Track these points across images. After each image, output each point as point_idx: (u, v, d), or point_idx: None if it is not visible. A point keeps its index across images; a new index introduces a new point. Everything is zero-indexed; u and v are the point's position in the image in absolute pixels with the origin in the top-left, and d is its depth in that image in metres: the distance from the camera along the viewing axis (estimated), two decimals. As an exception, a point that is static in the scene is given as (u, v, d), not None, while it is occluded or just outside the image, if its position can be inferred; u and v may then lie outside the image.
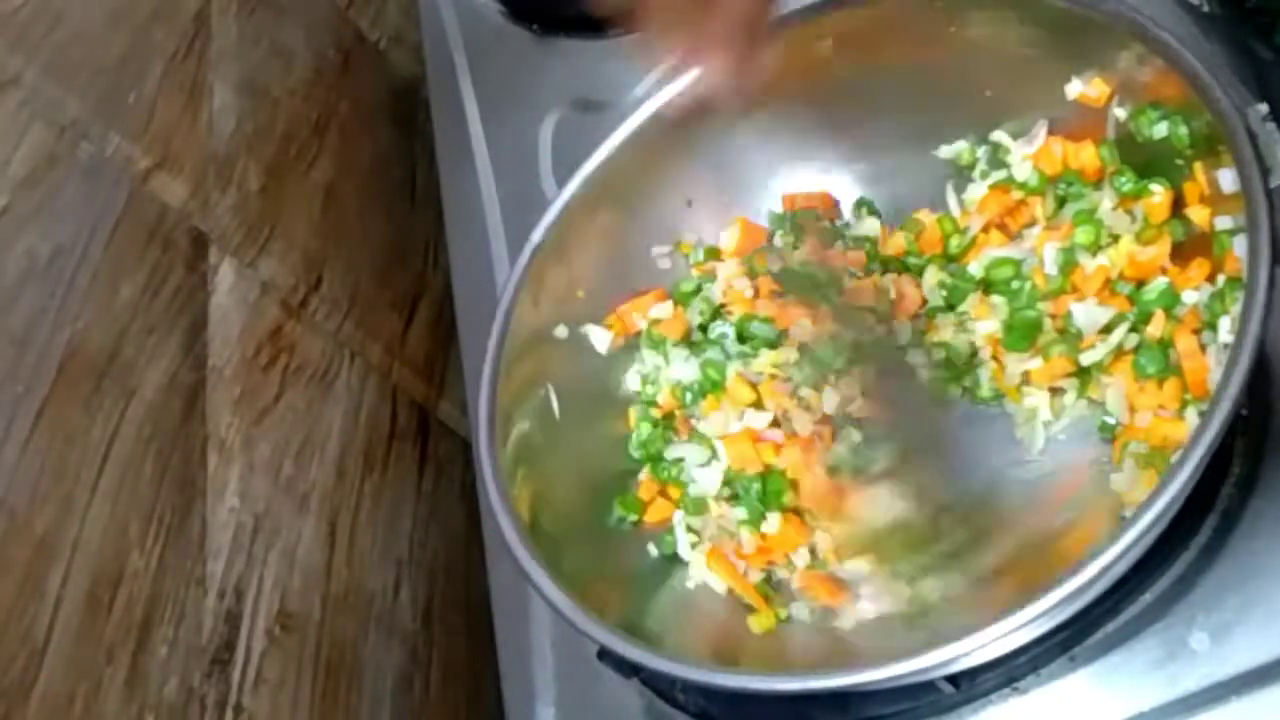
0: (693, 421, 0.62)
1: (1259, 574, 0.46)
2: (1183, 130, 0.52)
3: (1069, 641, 0.48)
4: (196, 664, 0.55)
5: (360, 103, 0.91)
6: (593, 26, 0.82)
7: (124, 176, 0.62)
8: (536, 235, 0.62)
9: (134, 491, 0.55)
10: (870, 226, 0.64)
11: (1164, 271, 0.53)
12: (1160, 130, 0.53)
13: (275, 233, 0.74)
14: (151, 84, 0.67)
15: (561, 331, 0.62)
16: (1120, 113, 0.55)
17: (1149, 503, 0.41)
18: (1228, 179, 0.49)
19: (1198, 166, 0.52)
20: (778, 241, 0.65)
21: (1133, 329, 0.53)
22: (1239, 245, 0.48)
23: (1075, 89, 0.56)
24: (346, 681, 0.65)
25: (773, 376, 0.61)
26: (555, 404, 0.60)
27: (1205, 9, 0.56)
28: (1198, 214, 0.52)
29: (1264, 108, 0.48)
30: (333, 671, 0.64)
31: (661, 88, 0.62)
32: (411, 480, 0.80)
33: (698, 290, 0.65)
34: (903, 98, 0.62)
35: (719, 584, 0.57)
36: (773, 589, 0.57)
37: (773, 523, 0.57)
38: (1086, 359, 0.53)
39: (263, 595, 0.61)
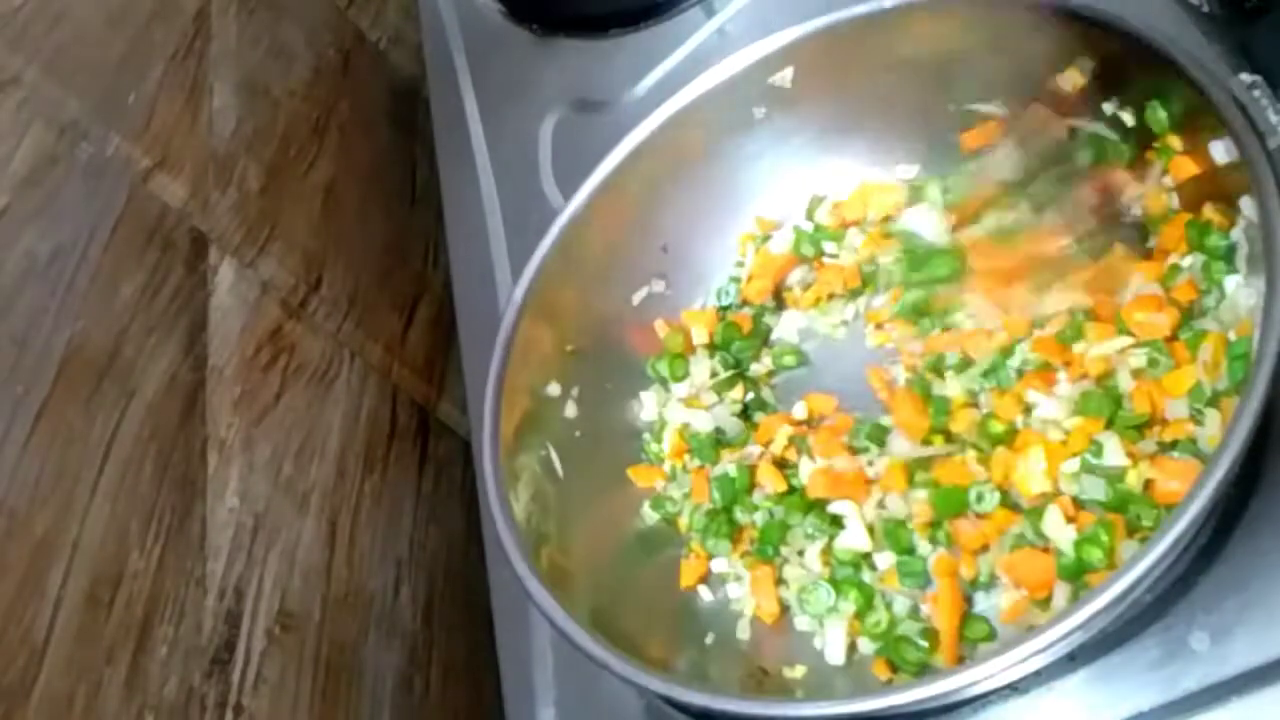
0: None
1: (1259, 574, 0.46)
2: (1161, 115, 0.52)
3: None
4: (196, 664, 0.55)
5: (360, 103, 0.91)
6: (593, 26, 0.82)
7: (124, 176, 0.62)
8: (519, 293, 0.61)
9: (134, 491, 0.55)
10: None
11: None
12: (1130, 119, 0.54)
13: (275, 233, 0.74)
14: (151, 84, 0.67)
15: (554, 389, 0.62)
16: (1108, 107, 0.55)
17: (1172, 522, 0.41)
18: (1220, 150, 0.49)
19: (1174, 141, 0.52)
20: None
21: None
22: (1246, 205, 0.48)
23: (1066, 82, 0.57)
24: (346, 681, 0.65)
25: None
26: (558, 464, 0.60)
27: (1205, 9, 0.56)
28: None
29: (1246, 77, 0.49)
30: (333, 671, 0.64)
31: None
32: (411, 480, 0.80)
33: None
34: (869, 123, 0.63)
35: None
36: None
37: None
38: None
39: (263, 595, 0.61)
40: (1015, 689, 0.48)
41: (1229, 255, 0.50)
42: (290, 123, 0.80)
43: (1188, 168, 0.52)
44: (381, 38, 0.99)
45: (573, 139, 0.77)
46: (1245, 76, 0.49)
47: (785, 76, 0.62)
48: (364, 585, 0.70)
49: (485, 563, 0.68)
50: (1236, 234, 0.50)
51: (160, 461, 0.57)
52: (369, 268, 0.83)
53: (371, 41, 0.98)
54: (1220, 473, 0.41)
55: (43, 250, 0.55)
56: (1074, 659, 0.47)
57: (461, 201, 0.81)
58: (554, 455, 0.60)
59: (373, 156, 0.91)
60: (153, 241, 0.62)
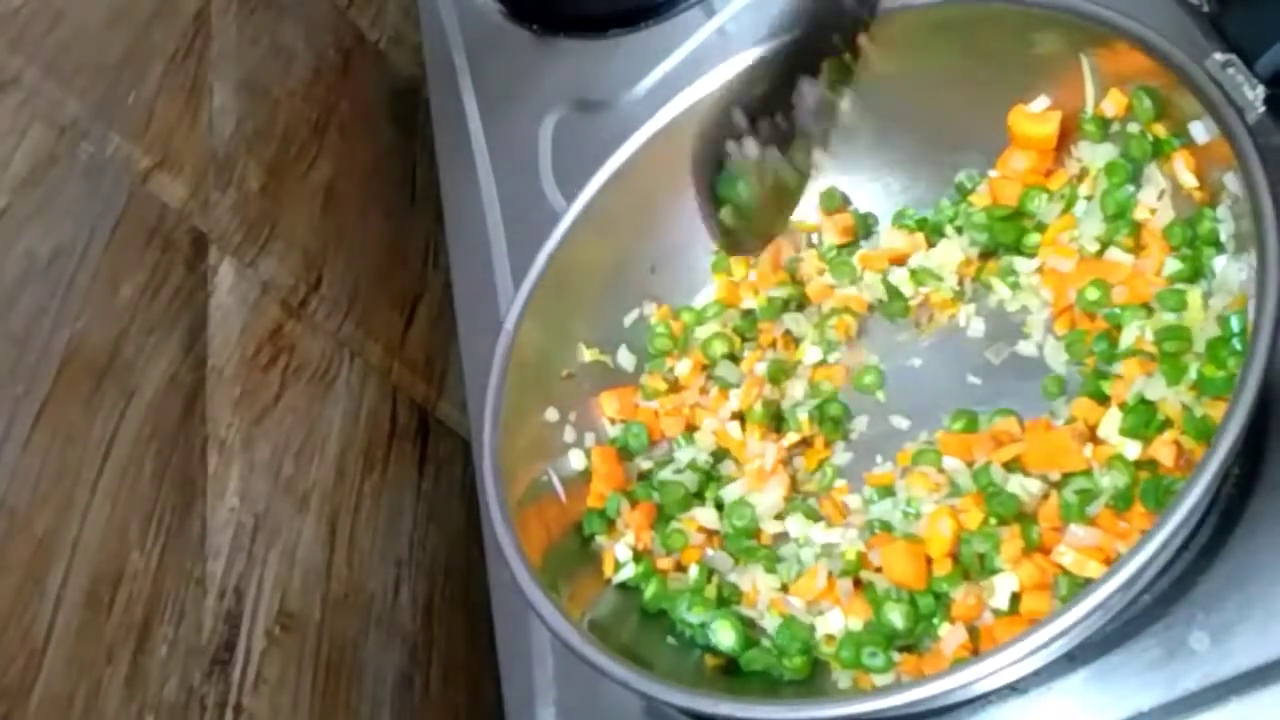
0: None
1: (1259, 574, 0.46)
2: (1147, 104, 0.53)
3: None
4: (196, 664, 0.55)
5: (360, 103, 0.91)
6: (593, 26, 0.82)
7: (124, 176, 0.62)
8: (509, 323, 0.61)
9: (134, 491, 0.55)
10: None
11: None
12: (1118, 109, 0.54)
13: (275, 233, 0.74)
14: (151, 84, 0.67)
15: (552, 414, 0.62)
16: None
17: (1170, 513, 0.41)
18: (1200, 130, 0.50)
19: (1158, 129, 0.53)
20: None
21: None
22: (1230, 181, 0.48)
23: (1041, 104, 0.58)
24: (346, 681, 0.65)
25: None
26: (558, 486, 0.60)
27: (1205, 9, 0.56)
28: (1185, 176, 0.53)
29: (1219, 56, 0.49)
30: (333, 671, 0.64)
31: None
32: (411, 480, 0.80)
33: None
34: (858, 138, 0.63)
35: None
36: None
37: None
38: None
39: (263, 595, 0.61)
40: (1015, 689, 0.48)
41: (1215, 238, 0.51)
42: (290, 123, 0.80)
43: (1188, 160, 0.52)
44: (381, 38, 0.99)
45: (573, 139, 0.77)
46: (1219, 56, 0.49)
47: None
48: (364, 585, 0.70)
49: (485, 563, 0.68)
50: (1221, 211, 0.51)
51: (160, 461, 0.57)
52: (369, 268, 0.83)
53: (371, 41, 0.98)
54: (1215, 465, 0.41)
55: (43, 250, 0.55)
56: (1074, 659, 0.47)
57: (461, 201, 0.81)
58: (554, 479, 0.60)
59: (373, 156, 0.91)
60: (153, 241, 0.62)
